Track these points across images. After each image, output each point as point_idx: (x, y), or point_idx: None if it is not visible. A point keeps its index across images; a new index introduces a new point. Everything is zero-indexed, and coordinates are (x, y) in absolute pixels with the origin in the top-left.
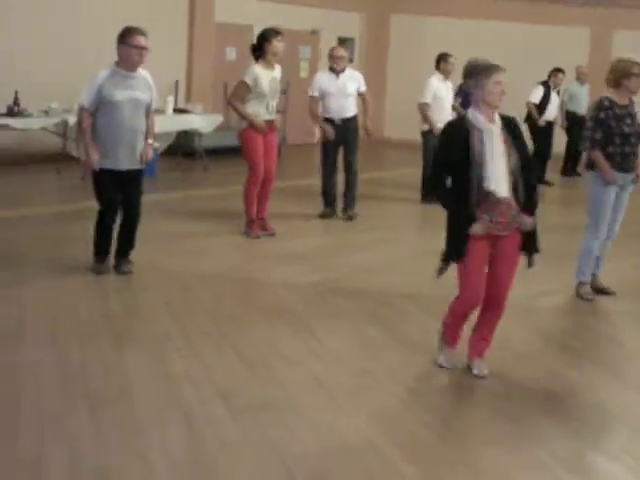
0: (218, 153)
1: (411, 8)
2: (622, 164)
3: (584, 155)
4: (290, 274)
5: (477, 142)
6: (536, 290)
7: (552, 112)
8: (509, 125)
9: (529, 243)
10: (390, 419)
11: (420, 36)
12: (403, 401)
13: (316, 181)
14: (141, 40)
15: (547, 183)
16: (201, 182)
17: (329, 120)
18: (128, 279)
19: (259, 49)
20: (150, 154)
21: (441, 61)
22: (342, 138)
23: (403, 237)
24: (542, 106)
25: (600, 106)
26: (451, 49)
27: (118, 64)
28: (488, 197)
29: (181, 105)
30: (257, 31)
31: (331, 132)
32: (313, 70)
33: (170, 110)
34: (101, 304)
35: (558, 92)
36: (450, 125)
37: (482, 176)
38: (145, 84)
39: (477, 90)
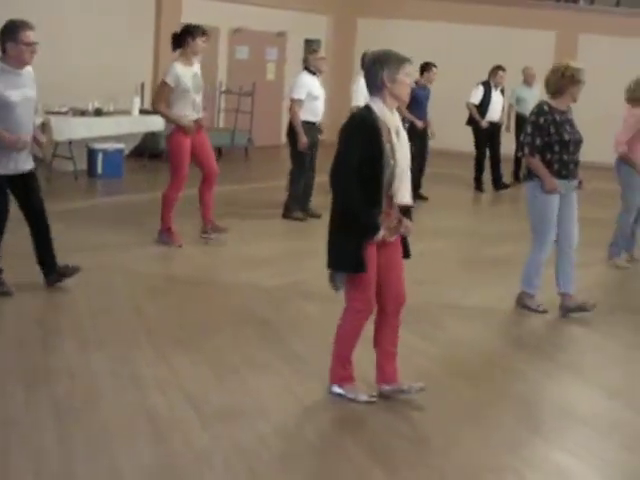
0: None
1: (378, 11)
2: (562, 172)
3: (523, 163)
4: (257, 278)
5: (387, 142)
6: (500, 294)
7: (495, 112)
8: None
9: (406, 248)
10: (358, 423)
11: (387, 39)
12: (371, 405)
13: (283, 183)
14: (31, 36)
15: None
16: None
17: (311, 123)
18: (96, 284)
19: (179, 43)
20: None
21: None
22: (316, 140)
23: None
24: (483, 107)
25: (540, 111)
26: (417, 52)
27: (4, 61)
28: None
29: (147, 106)
30: (223, 33)
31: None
32: (279, 72)
33: (136, 111)
34: (67, 309)
35: (502, 91)
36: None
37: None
38: (31, 79)
39: (392, 83)
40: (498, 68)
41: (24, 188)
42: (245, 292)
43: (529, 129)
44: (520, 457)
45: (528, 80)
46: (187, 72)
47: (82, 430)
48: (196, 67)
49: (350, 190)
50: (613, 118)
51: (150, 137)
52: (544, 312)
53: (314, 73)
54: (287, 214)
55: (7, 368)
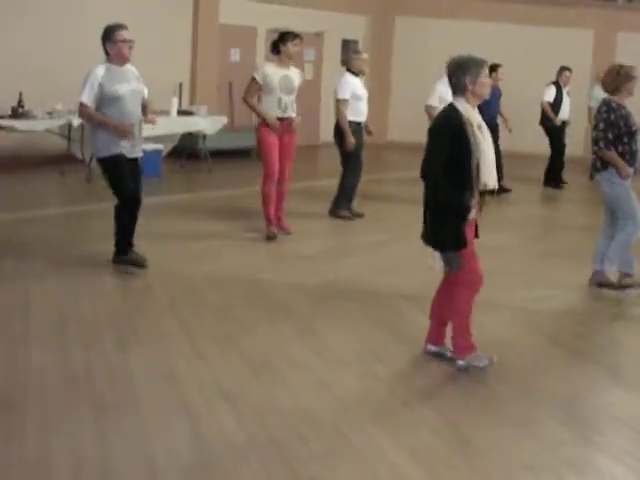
0: (222, 155)
1: (415, 10)
2: (630, 161)
3: (593, 158)
4: (297, 275)
5: (472, 136)
6: (539, 293)
7: (565, 111)
8: None
9: (476, 228)
10: (395, 421)
11: (424, 38)
12: (408, 404)
13: (322, 182)
14: (126, 34)
15: (563, 183)
16: (206, 184)
17: (356, 123)
18: (134, 281)
19: (275, 48)
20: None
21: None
22: (362, 141)
23: (411, 238)
24: (556, 105)
25: (609, 108)
26: (455, 51)
27: (110, 61)
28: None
29: (185, 107)
30: (261, 33)
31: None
32: (317, 72)
33: (174, 112)
34: (106, 306)
35: (568, 92)
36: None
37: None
38: (136, 76)
39: (474, 85)
40: (564, 69)
41: (130, 171)
42: (284, 289)
43: (602, 125)
44: (560, 458)
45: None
46: (277, 72)
47: (120, 428)
48: (292, 72)
49: (440, 181)
50: None
51: (188, 138)
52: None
53: (356, 74)
54: (334, 212)
55: (46, 365)
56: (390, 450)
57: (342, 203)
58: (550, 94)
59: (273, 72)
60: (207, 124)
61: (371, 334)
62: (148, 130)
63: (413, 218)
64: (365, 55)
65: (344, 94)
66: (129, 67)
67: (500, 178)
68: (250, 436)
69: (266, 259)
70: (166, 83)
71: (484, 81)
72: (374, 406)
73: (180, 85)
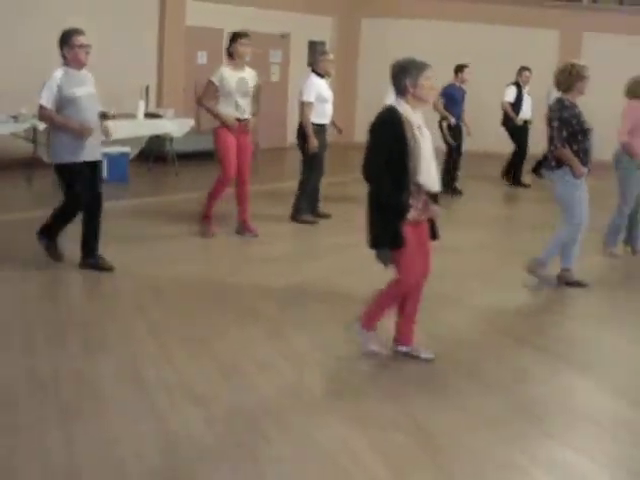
0: (190, 157)
1: (381, 11)
2: (584, 159)
3: (548, 156)
4: (264, 278)
5: (412, 138)
6: (505, 291)
7: (527, 111)
8: None
9: (433, 230)
10: (363, 422)
11: (390, 39)
12: (376, 404)
13: (289, 184)
14: (83, 40)
15: (524, 185)
16: (173, 187)
17: (320, 126)
18: (102, 284)
19: (229, 51)
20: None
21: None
22: (326, 143)
23: None
24: (517, 105)
25: (562, 107)
26: (421, 52)
27: (67, 64)
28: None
29: (152, 110)
30: (227, 35)
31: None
32: (284, 74)
33: (141, 115)
34: (74, 310)
35: (528, 92)
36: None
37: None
38: (91, 80)
39: (414, 88)
40: (524, 69)
41: (90, 174)
42: (252, 292)
43: (556, 124)
44: (528, 455)
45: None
46: (233, 75)
47: (88, 433)
48: (247, 73)
49: (381, 179)
50: (617, 116)
51: (155, 141)
52: (586, 286)
53: (322, 75)
54: (296, 216)
55: (12, 371)
56: (359, 450)
57: (303, 206)
58: (510, 94)
59: (230, 75)
60: (174, 127)
61: (338, 336)
62: (115, 132)
63: None
64: (331, 56)
65: (309, 96)
66: (85, 72)
67: (455, 178)
68: (219, 439)
69: (233, 262)
70: (133, 86)
71: (425, 84)
72: (342, 407)
73: (147, 88)
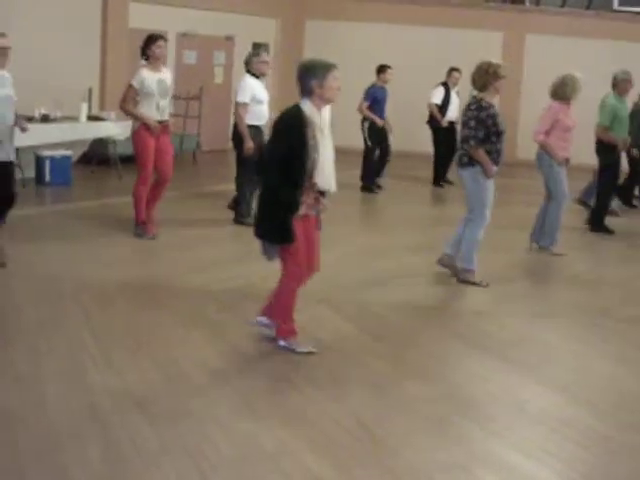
0: (133, 160)
1: (325, 14)
2: (497, 159)
3: (460, 153)
4: (206, 281)
5: (312, 137)
6: (442, 291)
7: (454, 112)
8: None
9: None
10: (307, 424)
11: (335, 41)
12: (320, 406)
13: (229, 187)
14: (5, 42)
15: (450, 182)
16: (116, 190)
17: (256, 127)
18: (44, 291)
19: (144, 53)
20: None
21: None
22: (262, 144)
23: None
24: (444, 106)
25: (479, 107)
26: (364, 53)
27: None
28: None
29: (95, 112)
30: (171, 37)
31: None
32: (227, 76)
33: (84, 117)
34: (16, 315)
35: (457, 92)
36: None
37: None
38: (9, 82)
39: (320, 88)
40: (454, 70)
41: (1, 175)
42: (194, 296)
43: (472, 123)
44: (472, 455)
45: None
46: (152, 77)
47: (30, 436)
48: (164, 74)
49: (276, 175)
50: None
51: (98, 143)
52: (486, 286)
53: (257, 76)
54: (239, 219)
55: None
56: (302, 453)
57: (244, 210)
58: (438, 95)
59: (149, 77)
60: (117, 129)
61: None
62: (58, 135)
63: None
64: (266, 56)
65: (244, 97)
66: (4, 73)
67: (379, 174)
68: (162, 442)
69: (176, 265)
70: (76, 88)
71: (331, 85)
72: (285, 409)
73: (90, 90)
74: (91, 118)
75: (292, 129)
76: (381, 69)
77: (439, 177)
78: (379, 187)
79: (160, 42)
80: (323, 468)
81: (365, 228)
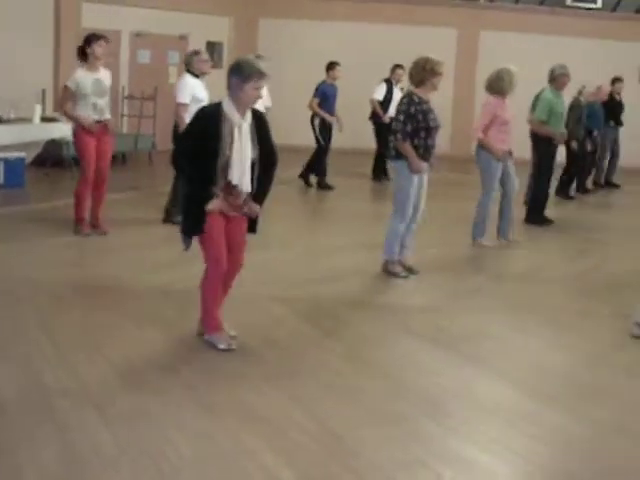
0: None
1: (279, 12)
2: (425, 155)
3: (390, 146)
4: (161, 281)
5: (228, 135)
6: (396, 289)
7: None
8: (257, 119)
9: (252, 225)
10: (265, 424)
11: (288, 39)
12: (277, 405)
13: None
14: None
15: (390, 178)
16: (70, 191)
17: None
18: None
19: (83, 53)
20: None
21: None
22: None
23: (260, 239)
24: (386, 103)
25: (411, 101)
26: (318, 51)
27: None
28: (228, 184)
29: (49, 114)
30: (125, 36)
31: None
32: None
33: (37, 119)
34: None
35: (401, 89)
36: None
37: (227, 167)
38: None
39: (238, 90)
40: (397, 66)
41: None
42: (150, 295)
43: (401, 117)
44: (430, 451)
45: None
46: (89, 77)
47: None
48: (102, 74)
49: (184, 166)
50: (516, 111)
51: (52, 145)
52: (406, 277)
53: (197, 76)
54: (168, 218)
55: None
56: (262, 453)
57: (177, 210)
58: (380, 92)
59: (85, 77)
60: (71, 131)
61: (239, 338)
62: (11, 136)
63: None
64: (205, 55)
65: (184, 98)
66: None
67: (324, 173)
68: (120, 444)
69: (131, 266)
70: (29, 90)
71: (249, 92)
72: (243, 408)
73: (43, 91)
74: (45, 119)
75: (205, 124)
76: (330, 66)
77: (379, 172)
78: (330, 187)
79: (102, 41)
80: (282, 467)
81: (314, 225)
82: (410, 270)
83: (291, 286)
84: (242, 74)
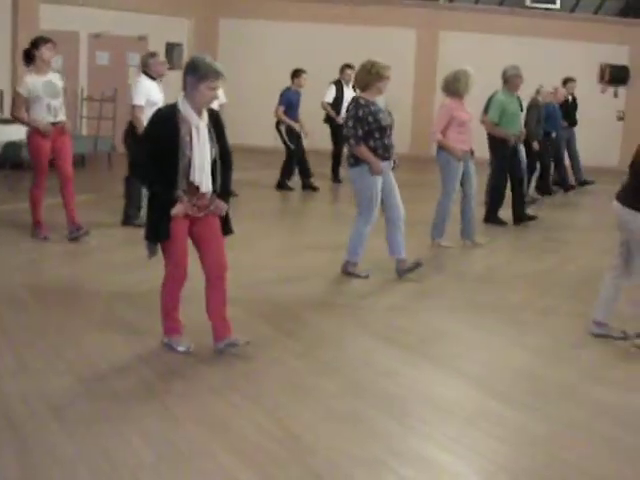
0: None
1: (239, 12)
2: (384, 154)
3: (348, 155)
4: (120, 284)
5: (186, 135)
6: (355, 289)
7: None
8: (213, 118)
9: (225, 225)
10: (225, 424)
11: (248, 39)
12: (233, 405)
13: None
14: None
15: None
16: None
17: None
18: None
19: (29, 57)
20: None
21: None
22: None
23: (239, 240)
24: (337, 104)
25: (357, 105)
26: (278, 52)
27: None
28: (191, 185)
29: (7, 116)
30: (83, 37)
31: None
32: None
33: None
34: None
35: (354, 88)
36: (160, 115)
37: (189, 168)
38: None
39: (194, 90)
40: (346, 66)
41: None
42: (109, 298)
43: (350, 122)
44: (389, 450)
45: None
46: (38, 79)
47: None
48: (52, 76)
49: (144, 173)
50: (474, 111)
51: (11, 147)
52: (366, 277)
53: (154, 78)
54: (127, 221)
55: None
56: (221, 454)
57: (133, 212)
58: (330, 94)
59: (35, 80)
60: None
61: (198, 337)
62: None
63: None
64: (162, 58)
65: (140, 100)
66: None
67: (307, 175)
68: (79, 448)
69: (90, 268)
70: None
71: (204, 92)
72: (202, 411)
73: (1, 93)
74: (3, 121)
75: (161, 126)
76: (296, 73)
77: (337, 173)
78: (290, 188)
79: (50, 44)
80: (241, 469)
81: (275, 227)
82: (415, 266)
83: (251, 287)
84: (197, 73)
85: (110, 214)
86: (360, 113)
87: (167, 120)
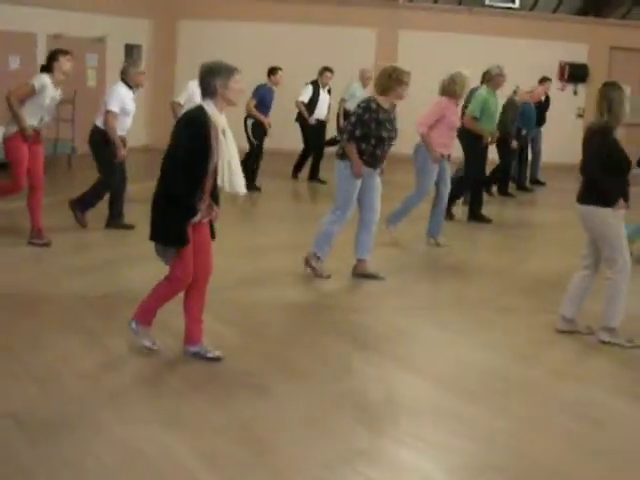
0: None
1: (198, 13)
2: (370, 162)
3: (339, 145)
4: (82, 287)
5: (214, 140)
6: (315, 287)
7: (322, 110)
8: None
9: (212, 229)
10: (186, 428)
11: (207, 41)
12: (198, 410)
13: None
14: None
15: (321, 181)
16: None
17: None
18: None
19: (48, 69)
20: None
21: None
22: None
23: None
24: (312, 105)
25: (367, 107)
26: (238, 53)
27: None
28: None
29: None
30: (41, 39)
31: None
32: (101, 79)
33: None
34: None
35: (329, 91)
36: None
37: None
38: None
39: (225, 89)
40: (325, 69)
41: None
42: (70, 303)
43: (353, 119)
44: (353, 450)
45: (364, 82)
46: (52, 89)
47: None
48: (58, 92)
49: (177, 177)
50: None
51: None
52: (328, 277)
53: (131, 87)
54: (111, 223)
55: None
56: (185, 458)
57: (117, 213)
58: (306, 94)
59: (50, 88)
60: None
61: (160, 343)
62: None
63: None
64: (142, 68)
65: (114, 106)
66: None
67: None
68: (39, 454)
69: (50, 272)
70: None
71: (234, 87)
72: (167, 414)
73: None
74: None
75: (195, 131)
76: (272, 71)
77: (297, 170)
78: (258, 189)
79: (69, 55)
80: (206, 471)
81: (241, 228)
82: (373, 276)
83: (213, 289)
84: (223, 73)
85: (69, 217)
86: (366, 116)
87: (203, 126)
